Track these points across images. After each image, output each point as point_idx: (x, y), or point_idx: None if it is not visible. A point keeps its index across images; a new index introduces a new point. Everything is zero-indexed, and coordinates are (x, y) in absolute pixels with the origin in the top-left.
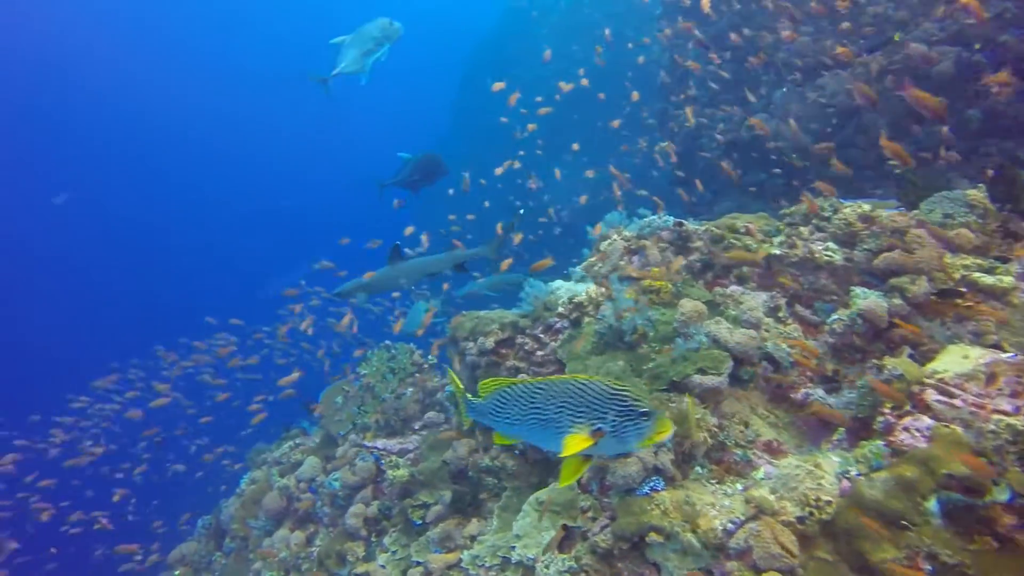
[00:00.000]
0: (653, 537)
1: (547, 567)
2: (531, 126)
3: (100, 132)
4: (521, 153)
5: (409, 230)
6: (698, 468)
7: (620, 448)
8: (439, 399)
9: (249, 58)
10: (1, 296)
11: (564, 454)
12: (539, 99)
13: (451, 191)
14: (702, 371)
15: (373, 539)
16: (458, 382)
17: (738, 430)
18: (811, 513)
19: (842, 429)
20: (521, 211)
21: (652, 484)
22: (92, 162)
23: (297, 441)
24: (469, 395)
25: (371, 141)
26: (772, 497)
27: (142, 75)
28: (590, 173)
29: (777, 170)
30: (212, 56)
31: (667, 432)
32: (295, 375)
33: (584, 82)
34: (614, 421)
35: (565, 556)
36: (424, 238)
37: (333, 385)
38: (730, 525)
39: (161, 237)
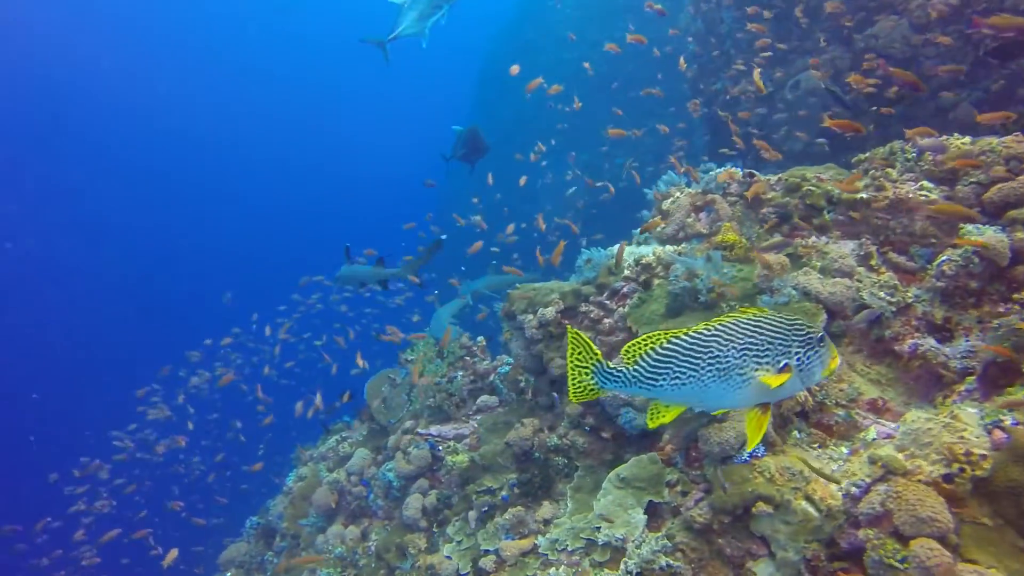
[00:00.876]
0: (761, 507)
1: (639, 547)
2: (576, 104)
3: (102, 130)
4: (553, 143)
5: (410, 225)
6: (796, 433)
7: (805, 383)
8: (492, 381)
9: (272, 55)
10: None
11: (754, 403)
12: (558, 88)
13: (476, 199)
14: None
15: (435, 530)
16: (594, 347)
17: (837, 389)
18: (961, 470)
19: (972, 378)
20: (443, 236)
21: (752, 450)
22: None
23: (343, 435)
24: (608, 363)
25: (390, 136)
26: (901, 456)
27: (146, 74)
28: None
29: (821, 139)
30: (225, 54)
31: (838, 358)
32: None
33: (614, 48)
34: (798, 354)
35: (656, 535)
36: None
37: (378, 375)
38: (854, 489)
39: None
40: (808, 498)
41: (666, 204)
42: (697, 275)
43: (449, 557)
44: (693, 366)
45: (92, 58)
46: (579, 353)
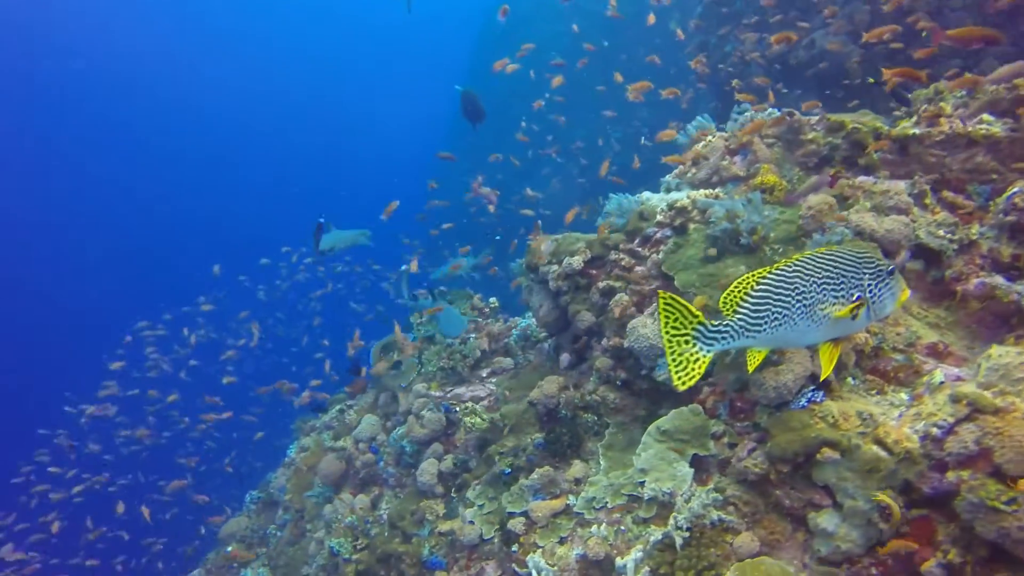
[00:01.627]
0: (826, 453)
1: (688, 501)
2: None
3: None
4: (560, 120)
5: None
6: (851, 379)
7: (877, 315)
8: (506, 344)
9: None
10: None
11: (830, 339)
12: (559, 62)
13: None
14: None
15: (453, 495)
16: (692, 308)
17: (894, 333)
18: None
19: None
20: (322, 219)
21: (810, 395)
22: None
23: (348, 403)
24: (711, 322)
25: (389, 107)
26: (988, 393)
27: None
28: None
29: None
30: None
31: (907, 290)
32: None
33: (613, 9)
34: (870, 286)
35: (706, 488)
36: None
37: (384, 339)
38: (935, 431)
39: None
40: (879, 442)
41: (698, 148)
42: (738, 217)
43: (471, 522)
44: (785, 304)
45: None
46: (675, 320)
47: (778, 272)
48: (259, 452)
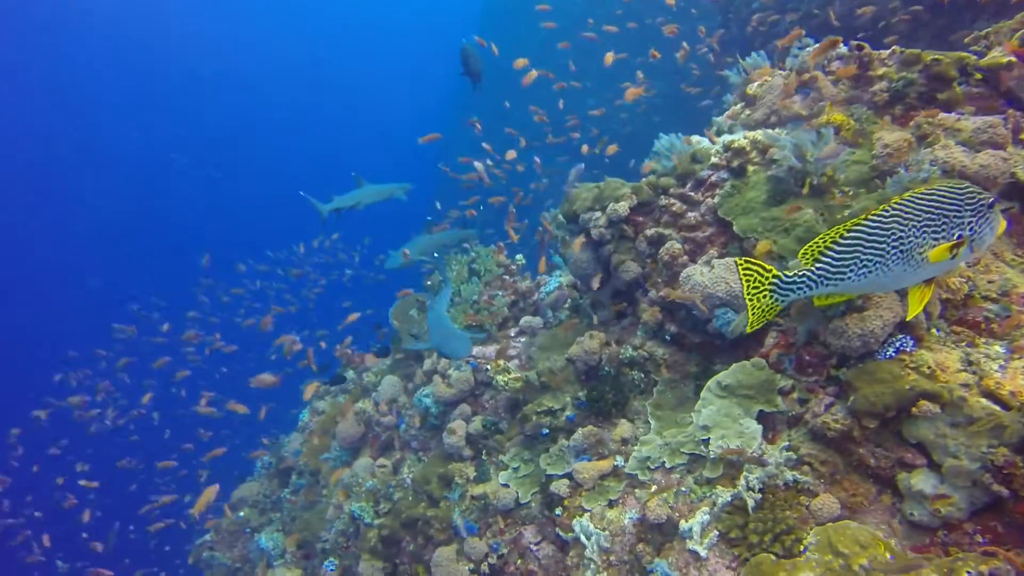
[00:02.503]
0: (925, 407)
1: (759, 460)
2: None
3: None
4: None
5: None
6: (935, 331)
7: (976, 252)
8: (536, 301)
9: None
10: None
11: (926, 279)
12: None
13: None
14: None
15: (484, 457)
16: (766, 265)
17: (985, 281)
18: None
19: None
20: (301, 192)
21: (900, 344)
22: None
23: (367, 365)
24: (786, 273)
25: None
26: None
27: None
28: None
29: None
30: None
31: (1004, 222)
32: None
33: None
34: (971, 223)
35: (777, 446)
36: None
37: (404, 299)
38: None
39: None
40: (990, 394)
41: (752, 88)
42: (806, 156)
43: (506, 485)
44: (879, 252)
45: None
46: (754, 280)
47: (874, 218)
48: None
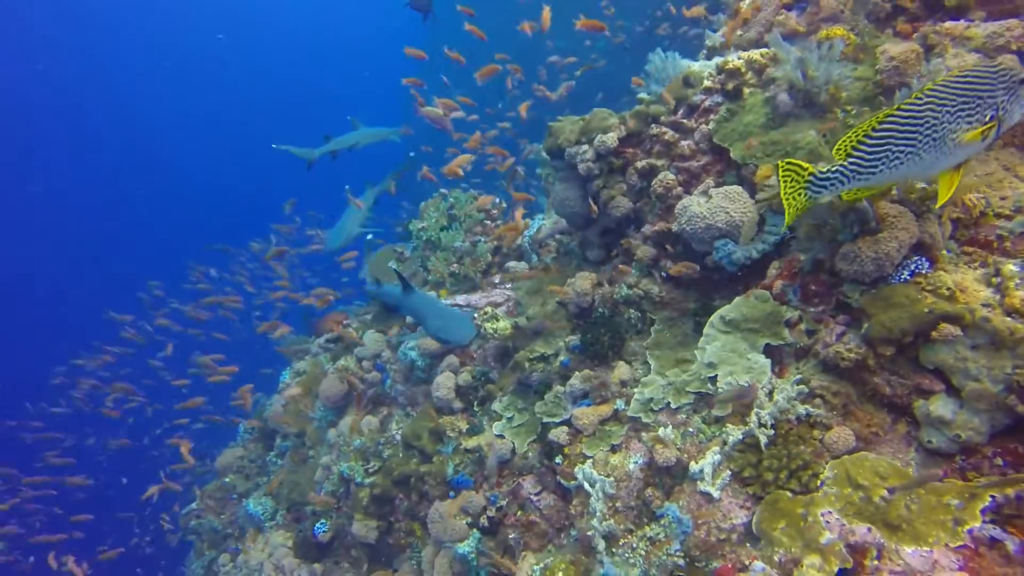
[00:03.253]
0: (946, 330)
1: (770, 396)
2: None
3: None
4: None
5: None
6: (945, 252)
7: (1004, 127)
8: (520, 246)
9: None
10: None
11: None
12: None
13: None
14: None
15: (476, 409)
16: (803, 164)
17: (998, 198)
18: None
19: None
20: (272, 146)
21: (915, 266)
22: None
23: (345, 322)
24: (820, 169)
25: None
26: None
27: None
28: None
29: None
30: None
31: None
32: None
33: None
34: (1003, 101)
35: (788, 380)
36: None
37: (381, 249)
38: None
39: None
40: (1014, 311)
41: (745, 4)
42: (808, 72)
43: (501, 435)
44: (911, 141)
45: None
46: (791, 181)
47: (907, 108)
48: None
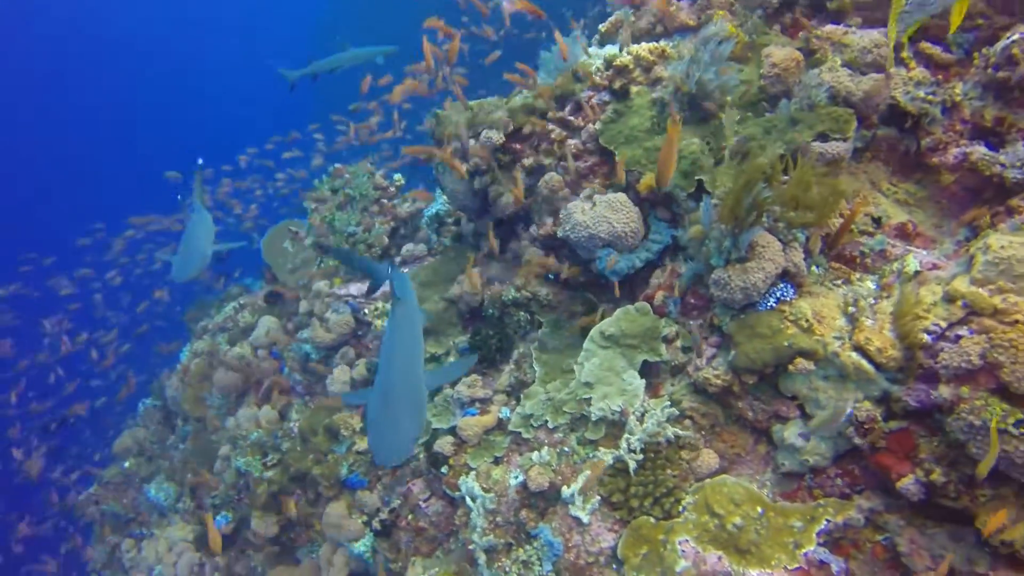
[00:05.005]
0: (801, 364)
1: (641, 419)
2: None
3: None
4: None
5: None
6: (815, 268)
7: None
8: (419, 225)
9: None
10: None
11: None
12: None
13: None
14: (823, 136)
15: None
16: None
17: (860, 214)
18: None
19: None
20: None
21: (780, 293)
22: None
23: (241, 301)
24: None
25: None
26: (984, 292)
27: None
28: None
29: None
30: None
31: None
32: None
33: None
34: None
35: (661, 402)
36: None
37: (276, 227)
38: (925, 336)
39: None
40: (859, 348)
41: None
42: (697, 75)
43: None
44: None
45: None
46: None
47: None
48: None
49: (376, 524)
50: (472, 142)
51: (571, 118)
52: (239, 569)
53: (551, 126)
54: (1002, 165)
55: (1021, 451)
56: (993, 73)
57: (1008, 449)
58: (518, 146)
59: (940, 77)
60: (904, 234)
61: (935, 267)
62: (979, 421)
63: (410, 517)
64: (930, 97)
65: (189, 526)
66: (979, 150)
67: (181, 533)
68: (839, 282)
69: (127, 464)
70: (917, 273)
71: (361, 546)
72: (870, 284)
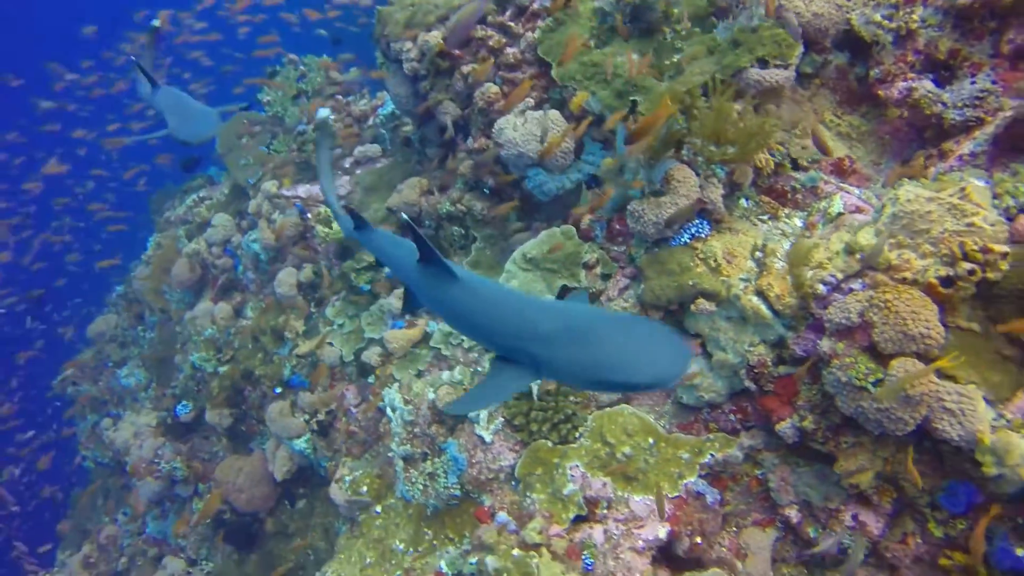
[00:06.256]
0: (702, 304)
1: None
2: None
3: None
4: None
5: None
6: (743, 201)
7: None
8: (373, 125)
9: None
10: None
11: None
12: None
13: None
14: (762, 62)
15: (313, 310)
16: None
17: (799, 147)
18: (971, 271)
19: (980, 135)
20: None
21: (695, 229)
22: None
23: (201, 195)
24: None
25: None
26: (885, 245)
27: None
28: None
29: None
30: None
31: None
32: None
33: None
34: None
35: None
36: None
37: (233, 117)
38: (820, 287)
39: None
40: (760, 293)
41: None
42: None
43: (331, 344)
44: None
45: None
46: None
47: None
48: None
49: (314, 424)
50: (409, 44)
51: (511, 24)
52: (202, 454)
53: (490, 31)
54: (943, 104)
55: (874, 408)
56: None
57: (863, 405)
58: (458, 52)
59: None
60: (840, 170)
61: (858, 210)
62: (845, 378)
63: (343, 419)
64: (885, 22)
65: (155, 413)
66: (925, 85)
67: (146, 420)
68: (765, 217)
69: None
70: (839, 215)
71: (302, 442)
72: (797, 221)
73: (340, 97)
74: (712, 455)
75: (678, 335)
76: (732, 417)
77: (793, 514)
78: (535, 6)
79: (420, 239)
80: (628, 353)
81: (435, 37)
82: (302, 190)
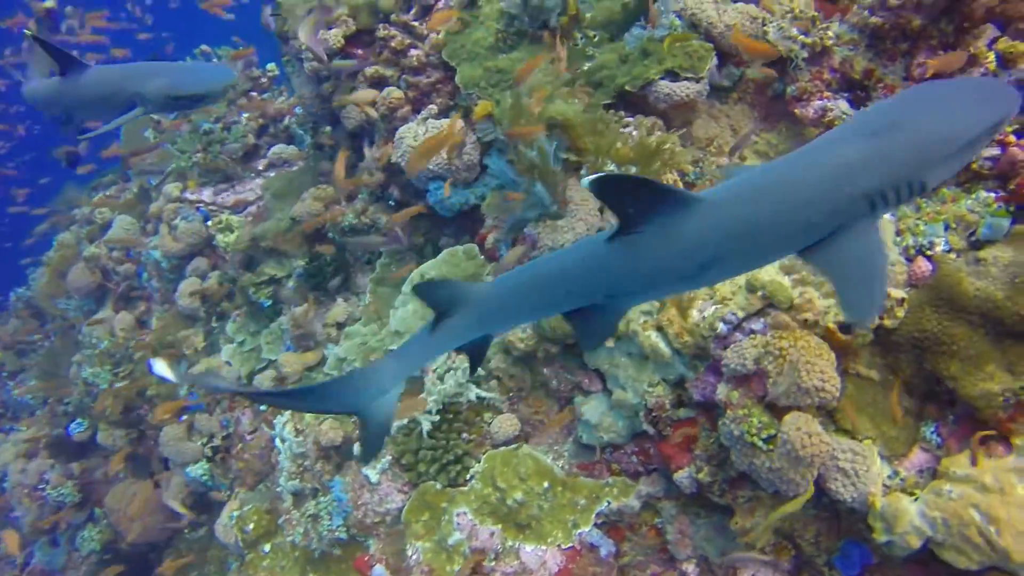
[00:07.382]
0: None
1: (441, 378)
2: None
3: None
4: None
5: None
6: None
7: None
8: (289, 125)
9: None
10: None
11: None
12: None
13: None
14: (672, 74)
15: (214, 324)
16: None
17: (713, 166)
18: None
19: None
20: None
21: None
22: None
23: (108, 193)
24: None
25: None
26: (786, 281)
27: None
28: None
29: None
30: None
31: None
32: None
33: None
34: None
35: (463, 361)
36: None
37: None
38: (721, 325)
39: None
40: (660, 329)
41: None
42: None
43: (229, 362)
44: None
45: None
46: None
47: None
48: None
49: (208, 450)
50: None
51: (415, 24)
52: (98, 475)
53: (393, 31)
54: None
55: (767, 466)
56: (867, 16)
57: (756, 463)
58: (360, 52)
59: (820, 14)
60: None
61: None
62: (738, 431)
63: (240, 446)
64: (801, 37)
65: (45, 430)
66: (840, 106)
67: (27, 436)
68: None
69: None
70: None
71: (199, 469)
72: None
73: (255, 93)
74: (609, 502)
75: None
76: (634, 459)
77: (691, 569)
78: (440, 4)
79: None
80: None
81: (336, 35)
82: (206, 194)
